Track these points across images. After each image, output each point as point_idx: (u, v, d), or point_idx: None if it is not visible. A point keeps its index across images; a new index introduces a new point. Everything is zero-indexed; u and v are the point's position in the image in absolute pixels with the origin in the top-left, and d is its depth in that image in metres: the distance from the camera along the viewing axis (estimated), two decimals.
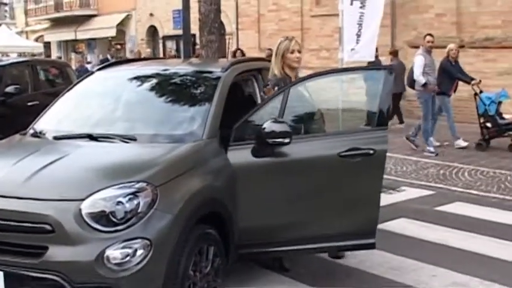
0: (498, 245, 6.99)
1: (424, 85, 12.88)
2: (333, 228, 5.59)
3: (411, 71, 13.44)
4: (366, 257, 6.31)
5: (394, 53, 17.69)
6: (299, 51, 6.29)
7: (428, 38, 13.25)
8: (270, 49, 18.68)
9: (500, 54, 16.65)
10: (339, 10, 9.50)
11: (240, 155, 5.34)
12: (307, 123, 6.11)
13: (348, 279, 6.05)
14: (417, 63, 13.03)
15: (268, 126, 5.21)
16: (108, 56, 24.49)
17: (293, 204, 5.47)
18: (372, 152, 5.48)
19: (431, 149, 12.84)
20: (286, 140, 5.24)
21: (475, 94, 13.33)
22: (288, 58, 6.21)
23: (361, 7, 10.27)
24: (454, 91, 13.57)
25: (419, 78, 12.88)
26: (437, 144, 13.27)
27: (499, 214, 8.37)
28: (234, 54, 19.25)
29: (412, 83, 13.39)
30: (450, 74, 13.17)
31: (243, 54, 19.02)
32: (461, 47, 17.48)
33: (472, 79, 13.21)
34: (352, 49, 9.72)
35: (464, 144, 13.36)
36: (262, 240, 5.50)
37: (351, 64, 10.60)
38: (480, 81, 13.20)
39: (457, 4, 17.86)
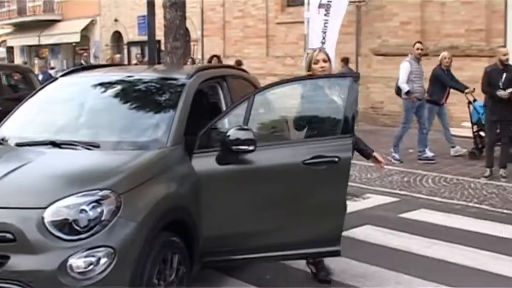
0: (462, 252, 7.04)
1: (407, 93, 12.69)
2: (297, 236, 5.57)
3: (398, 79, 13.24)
4: (330, 263, 6.32)
5: (345, 61, 17.89)
6: (324, 61, 6.14)
7: (417, 45, 13.15)
8: (217, 56, 18.95)
9: (464, 62, 16.82)
10: (304, 17, 9.53)
11: (205, 162, 5.31)
12: (273, 130, 6.12)
13: (310, 286, 6.06)
14: (402, 70, 12.87)
15: (233, 133, 5.19)
16: (82, 62, 24.12)
17: (257, 212, 5.45)
18: (336, 159, 5.48)
19: (397, 156, 12.85)
20: (251, 148, 5.22)
21: (469, 103, 13.27)
22: (314, 69, 6.16)
23: (325, 14, 10.34)
24: (445, 100, 13.45)
25: (403, 85, 12.72)
26: (432, 154, 13.01)
27: (462, 221, 8.46)
28: (210, 61, 19.24)
29: (399, 90, 13.15)
30: (443, 83, 13.03)
31: (219, 61, 19.05)
32: (426, 55, 17.65)
33: (466, 87, 13.04)
34: None
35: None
36: (226, 248, 5.47)
37: None
38: (474, 89, 12.89)
39: (422, 13, 18.05)
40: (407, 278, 6.20)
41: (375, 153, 6.18)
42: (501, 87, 10.89)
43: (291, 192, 5.53)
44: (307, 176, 5.51)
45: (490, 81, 11.10)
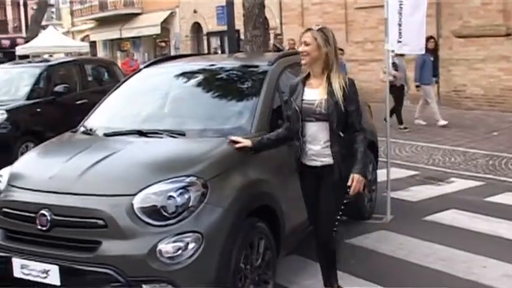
0: None
1: None
2: None
3: None
4: (415, 248, 6.27)
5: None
6: (306, 44, 4.92)
7: None
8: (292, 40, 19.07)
9: None
10: (384, 0, 9.38)
11: (283, 148, 5.37)
12: None
13: (395, 270, 6.04)
14: None
15: None
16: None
17: None
18: None
19: None
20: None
21: None
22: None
23: None
24: None
25: None
26: None
27: None
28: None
29: None
30: None
31: (294, 44, 19.27)
32: (508, 35, 17.22)
33: None
34: (399, 41, 9.52)
35: None
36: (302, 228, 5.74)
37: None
38: None
39: None
40: (494, 262, 6.10)
41: None
42: None
43: None
44: None
45: None
